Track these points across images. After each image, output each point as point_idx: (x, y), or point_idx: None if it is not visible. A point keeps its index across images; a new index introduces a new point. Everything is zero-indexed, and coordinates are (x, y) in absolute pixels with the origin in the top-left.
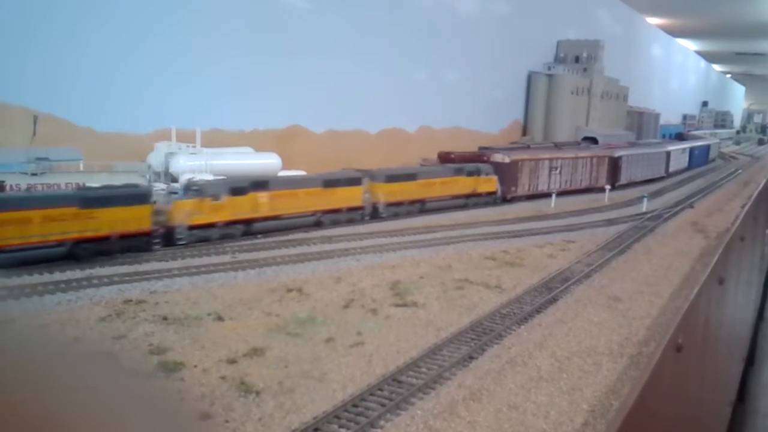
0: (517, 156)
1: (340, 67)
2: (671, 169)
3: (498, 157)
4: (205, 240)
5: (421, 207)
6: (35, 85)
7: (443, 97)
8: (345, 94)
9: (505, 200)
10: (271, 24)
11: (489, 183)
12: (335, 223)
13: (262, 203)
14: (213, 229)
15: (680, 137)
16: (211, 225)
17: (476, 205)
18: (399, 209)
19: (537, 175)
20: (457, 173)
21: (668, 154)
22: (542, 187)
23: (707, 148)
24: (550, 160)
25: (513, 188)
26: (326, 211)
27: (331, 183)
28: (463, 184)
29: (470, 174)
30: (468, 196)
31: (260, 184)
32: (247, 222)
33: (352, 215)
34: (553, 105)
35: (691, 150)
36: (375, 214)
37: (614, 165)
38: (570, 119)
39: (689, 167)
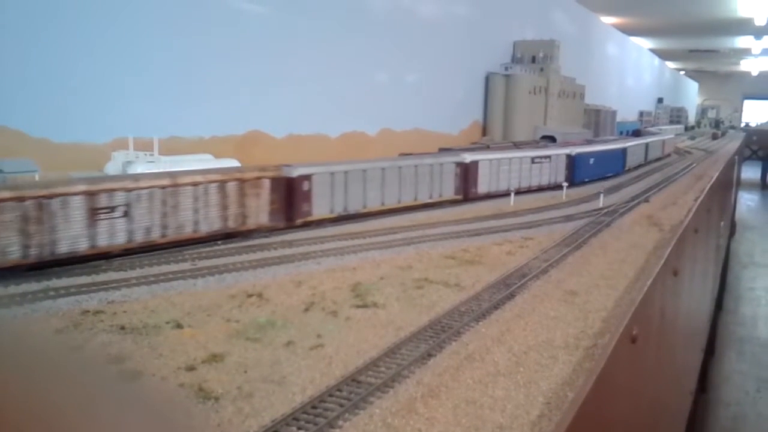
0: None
1: (300, 71)
2: (513, 186)
3: None
4: None
5: None
6: None
7: (404, 100)
8: (305, 98)
9: None
10: (227, 29)
11: None
12: None
13: None
14: None
15: (637, 134)
16: None
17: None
18: None
19: (52, 226)
20: None
21: (467, 166)
22: (68, 248)
23: (621, 152)
24: (89, 195)
25: None
26: None
27: None
28: None
29: None
30: None
31: None
32: None
33: None
34: (512, 105)
35: (575, 158)
36: None
37: (290, 191)
38: (528, 119)
39: (574, 181)
